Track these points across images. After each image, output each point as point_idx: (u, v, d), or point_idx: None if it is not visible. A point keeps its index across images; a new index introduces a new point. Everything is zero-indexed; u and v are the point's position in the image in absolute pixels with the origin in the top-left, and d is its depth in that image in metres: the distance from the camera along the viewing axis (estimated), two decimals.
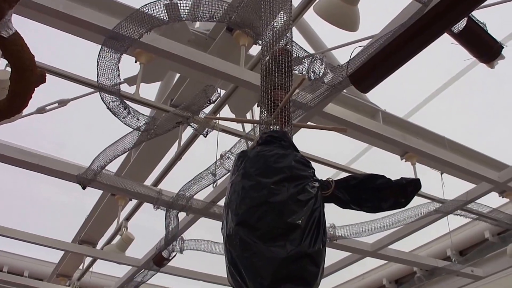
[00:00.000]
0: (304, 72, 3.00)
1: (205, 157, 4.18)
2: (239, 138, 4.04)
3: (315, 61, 2.94)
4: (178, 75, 4.49)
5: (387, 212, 4.69)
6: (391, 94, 5.11)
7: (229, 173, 1.95)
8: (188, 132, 4.38)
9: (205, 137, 3.74)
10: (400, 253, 5.93)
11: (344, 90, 3.83)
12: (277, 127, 1.82)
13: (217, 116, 4.23)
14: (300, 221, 1.52)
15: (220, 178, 4.06)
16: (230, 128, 4.30)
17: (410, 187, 1.69)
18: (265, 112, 1.88)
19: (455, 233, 7.24)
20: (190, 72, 4.02)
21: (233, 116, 4.41)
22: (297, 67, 2.97)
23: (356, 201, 1.69)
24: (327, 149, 5.02)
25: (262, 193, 1.56)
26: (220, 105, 4.12)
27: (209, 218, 4.80)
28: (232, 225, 1.57)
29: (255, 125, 3.51)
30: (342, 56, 4.17)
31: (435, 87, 5.37)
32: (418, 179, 1.70)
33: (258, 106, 1.96)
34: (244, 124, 4.65)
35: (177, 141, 4.39)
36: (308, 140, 4.74)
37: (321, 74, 2.95)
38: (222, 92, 4.03)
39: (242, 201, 1.58)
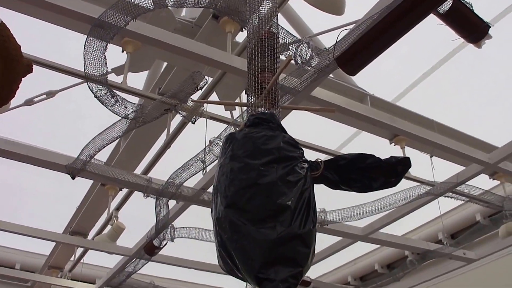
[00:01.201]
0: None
1: (194, 144, 4.17)
2: (227, 125, 4.03)
3: (301, 45, 2.93)
4: (165, 64, 4.48)
5: (377, 195, 4.70)
6: (378, 78, 5.11)
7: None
8: (176, 120, 4.38)
9: (194, 124, 3.73)
10: (392, 237, 5.93)
11: (332, 76, 3.83)
12: (265, 110, 1.81)
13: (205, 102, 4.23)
14: (289, 202, 1.51)
15: (209, 164, 4.05)
16: (218, 115, 4.30)
17: (400, 166, 1.69)
18: (252, 95, 1.87)
19: (446, 216, 7.27)
20: (177, 60, 4.01)
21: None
22: (283, 52, 2.97)
23: (346, 181, 1.69)
24: (316, 136, 5.01)
25: (250, 175, 1.55)
26: (208, 92, 4.11)
27: (199, 205, 4.79)
28: (221, 208, 1.57)
29: (243, 110, 3.50)
30: (329, 42, 4.17)
31: (422, 71, 5.37)
32: (408, 158, 1.70)
33: (246, 93, 1.95)
34: (232, 110, 4.65)
35: (166, 129, 4.38)
36: (297, 126, 4.73)
37: (307, 58, 2.94)
38: (209, 80, 4.02)
39: (230, 183, 1.57)
